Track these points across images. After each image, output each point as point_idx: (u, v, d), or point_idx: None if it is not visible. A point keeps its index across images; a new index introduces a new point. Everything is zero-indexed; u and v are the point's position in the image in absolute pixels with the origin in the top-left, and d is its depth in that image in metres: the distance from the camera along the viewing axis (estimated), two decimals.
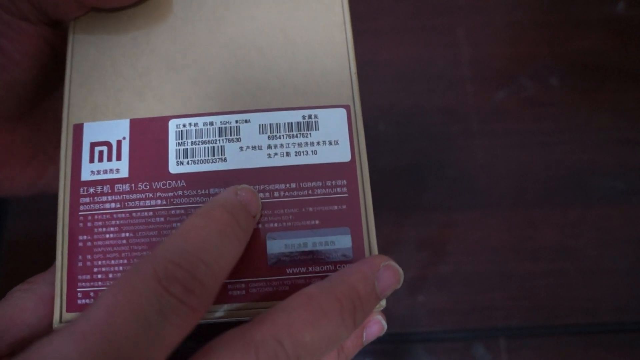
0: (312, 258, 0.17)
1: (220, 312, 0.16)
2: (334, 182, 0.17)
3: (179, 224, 0.17)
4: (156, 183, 0.17)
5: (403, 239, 0.34)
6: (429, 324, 0.32)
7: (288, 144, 0.17)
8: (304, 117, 0.18)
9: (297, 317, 0.13)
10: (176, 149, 0.17)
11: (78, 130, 0.18)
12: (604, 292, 0.33)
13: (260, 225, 0.17)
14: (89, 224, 0.17)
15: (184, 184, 0.17)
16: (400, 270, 0.16)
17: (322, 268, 0.17)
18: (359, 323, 0.15)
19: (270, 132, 0.18)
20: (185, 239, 0.13)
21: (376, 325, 0.18)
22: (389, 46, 0.37)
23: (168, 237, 0.14)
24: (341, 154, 0.17)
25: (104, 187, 0.17)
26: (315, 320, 0.14)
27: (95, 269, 0.16)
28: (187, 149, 0.17)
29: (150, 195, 0.17)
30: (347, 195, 0.17)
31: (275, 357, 0.13)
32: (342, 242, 0.17)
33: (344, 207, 0.17)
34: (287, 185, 0.17)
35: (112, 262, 0.16)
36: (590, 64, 0.37)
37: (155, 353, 0.12)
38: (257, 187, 0.17)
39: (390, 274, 0.15)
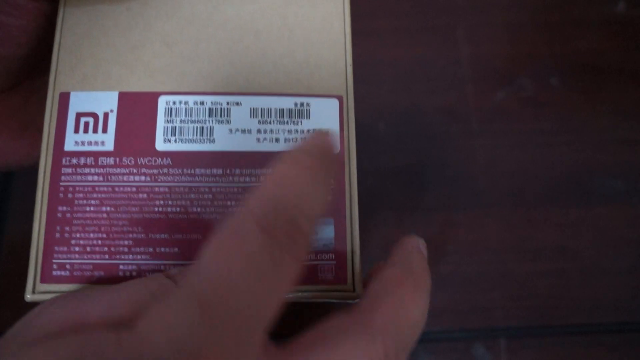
0: None
1: None
2: None
3: (162, 201, 0.17)
4: (141, 159, 0.17)
5: None
6: (428, 324, 0.32)
7: (278, 129, 0.17)
8: (295, 105, 0.18)
9: (404, 296, 0.14)
10: (164, 126, 0.17)
11: (64, 98, 0.17)
12: (604, 292, 0.33)
13: None
14: (70, 195, 0.16)
15: (170, 162, 0.17)
16: None
17: None
18: None
19: (261, 117, 0.17)
20: (277, 187, 0.13)
21: None
22: (389, 46, 0.37)
23: (259, 187, 0.13)
24: None
25: (88, 159, 0.17)
26: (415, 294, 0.15)
27: (73, 241, 0.16)
28: (175, 126, 0.17)
29: (135, 170, 0.17)
30: (333, 186, 0.17)
31: (400, 342, 0.13)
32: (325, 232, 0.17)
33: (329, 198, 0.17)
34: None
35: (91, 235, 0.16)
36: (590, 64, 0.37)
37: (272, 304, 0.12)
38: (244, 171, 0.17)
39: None
